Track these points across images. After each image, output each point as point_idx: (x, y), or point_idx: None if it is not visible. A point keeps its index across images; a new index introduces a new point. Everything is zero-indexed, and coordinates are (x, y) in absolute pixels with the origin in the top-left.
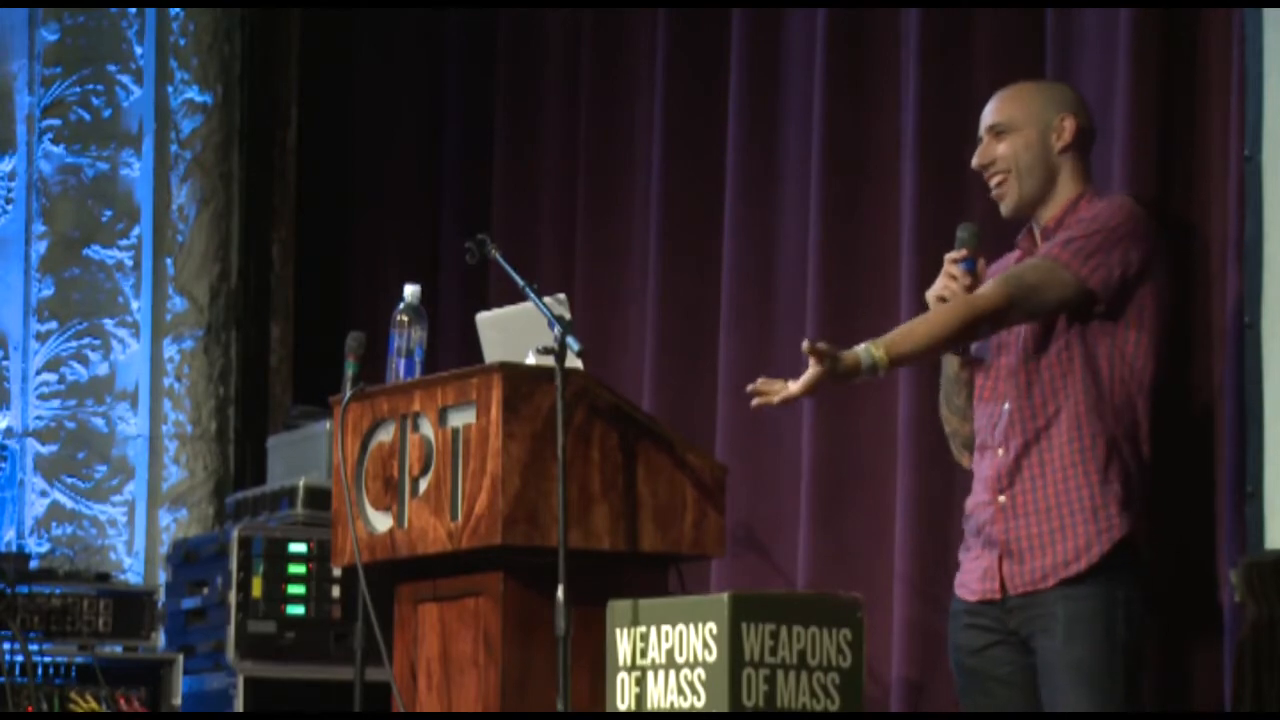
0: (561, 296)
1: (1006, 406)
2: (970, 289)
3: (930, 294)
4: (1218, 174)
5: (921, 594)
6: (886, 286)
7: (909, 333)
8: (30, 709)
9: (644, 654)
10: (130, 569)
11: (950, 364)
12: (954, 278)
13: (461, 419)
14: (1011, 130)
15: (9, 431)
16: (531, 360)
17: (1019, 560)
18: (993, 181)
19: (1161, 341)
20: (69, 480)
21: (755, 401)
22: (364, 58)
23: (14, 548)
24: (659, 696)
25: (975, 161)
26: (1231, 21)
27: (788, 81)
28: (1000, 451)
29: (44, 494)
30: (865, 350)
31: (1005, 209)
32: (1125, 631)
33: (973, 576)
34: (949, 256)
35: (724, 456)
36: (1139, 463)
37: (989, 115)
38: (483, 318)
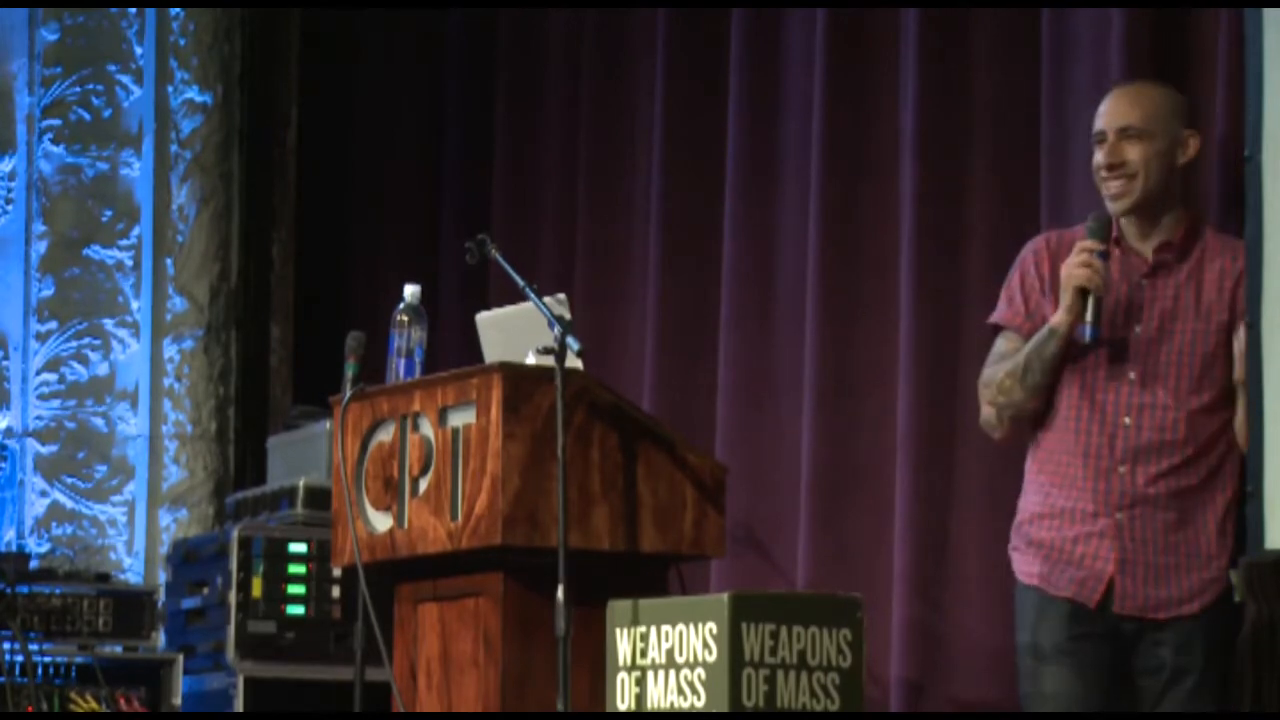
0: (561, 296)
1: (1128, 421)
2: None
3: (1073, 282)
4: (1215, 173)
5: (921, 594)
6: (886, 286)
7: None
8: (30, 709)
9: (644, 654)
10: (130, 569)
11: (1052, 343)
12: (1096, 270)
13: (461, 419)
14: (1145, 136)
15: (9, 431)
16: (531, 360)
17: (1133, 583)
18: (1116, 183)
19: None
20: (69, 480)
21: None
22: (364, 58)
23: (14, 548)
24: (659, 696)
25: (1104, 160)
26: (1220, 21)
27: (787, 82)
28: (1124, 469)
29: (44, 494)
30: None
31: (1120, 208)
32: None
33: (1065, 576)
34: (1086, 245)
35: (724, 456)
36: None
37: (1119, 116)
38: (483, 318)
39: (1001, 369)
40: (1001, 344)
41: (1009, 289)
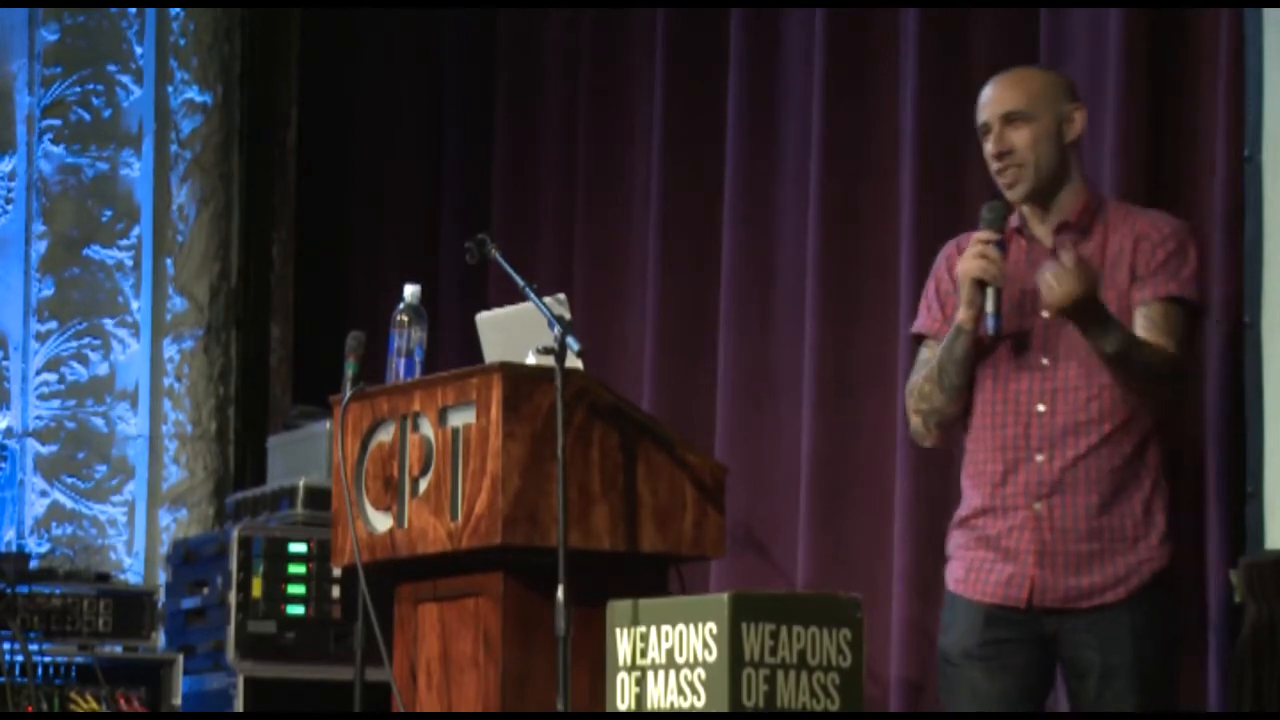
0: (561, 296)
1: (1042, 408)
2: (1002, 270)
3: (969, 274)
4: (1213, 173)
5: (921, 593)
6: (886, 285)
7: (1138, 343)
8: (30, 709)
9: (644, 654)
10: (130, 569)
11: (960, 342)
12: (990, 260)
13: (461, 419)
14: (1028, 119)
15: (9, 431)
16: (531, 360)
17: (1053, 574)
18: (1008, 172)
19: None
20: (69, 480)
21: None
22: (364, 58)
23: (14, 548)
24: (659, 696)
25: (992, 149)
26: (1220, 21)
27: (787, 82)
28: (1040, 457)
29: (44, 494)
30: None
31: (1015, 196)
32: (1175, 650)
33: (990, 579)
34: (981, 237)
35: (723, 456)
36: (1175, 487)
37: (1000, 102)
38: (483, 318)
39: (920, 375)
40: (924, 353)
41: (926, 297)
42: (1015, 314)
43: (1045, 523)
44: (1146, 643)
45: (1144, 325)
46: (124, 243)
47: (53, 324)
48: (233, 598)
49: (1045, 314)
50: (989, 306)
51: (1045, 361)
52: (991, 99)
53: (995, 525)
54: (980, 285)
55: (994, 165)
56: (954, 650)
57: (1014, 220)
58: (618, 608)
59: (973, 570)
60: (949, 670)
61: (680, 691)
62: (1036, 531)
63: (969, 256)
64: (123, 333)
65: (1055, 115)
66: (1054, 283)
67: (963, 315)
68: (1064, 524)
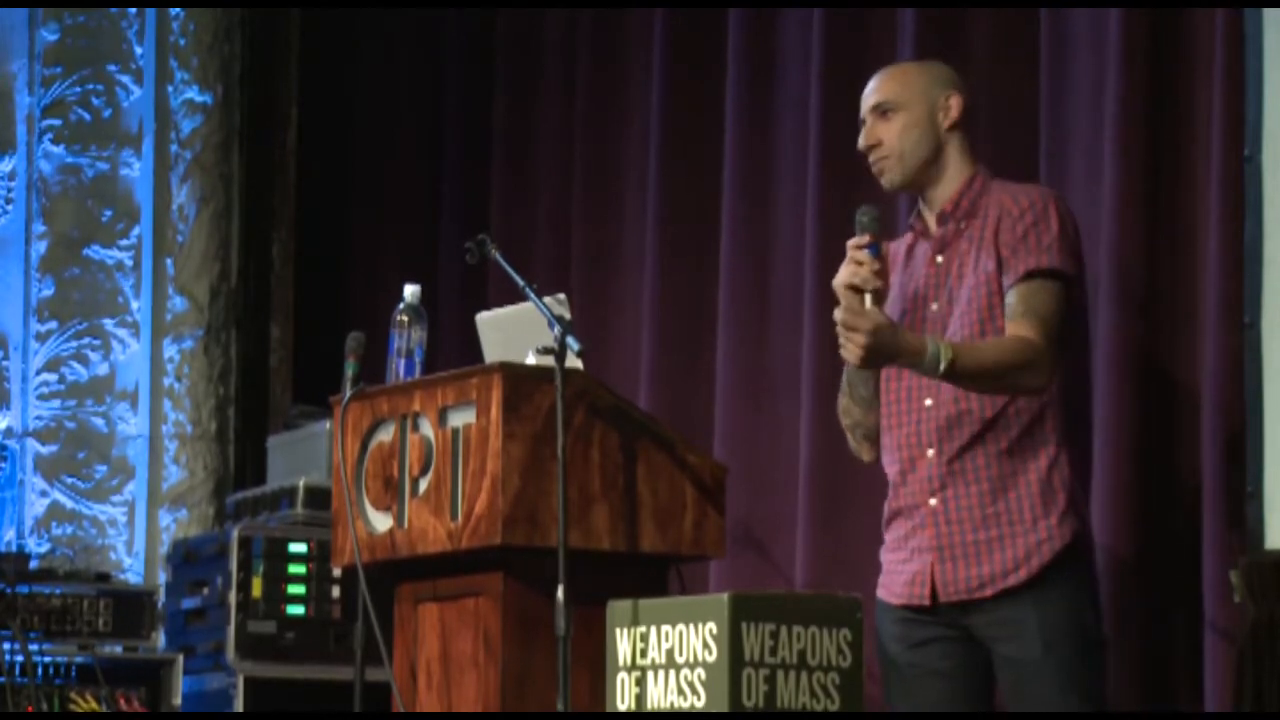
0: (561, 296)
1: (929, 402)
2: (879, 274)
3: (837, 282)
4: (1213, 173)
5: None
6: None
7: (975, 349)
8: (30, 709)
9: (644, 654)
10: (130, 569)
11: None
12: (861, 263)
13: (461, 419)
14: (897, 109)
15: (9, 431)
16: (531, 360)
17: (953, 567)
18: (878, 164)
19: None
20: (69, 480)
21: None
22: (364, 58)
23: (14, 548)
24: (659, 696)
25: (861, 143)
26: (1220, 21)
27: (784, 82)
28: (931, 452)
29: (44, 494)
30: (933, 340)
31: (887, 184)
32: (1095, 632)
33: (898, 580)
34: (853, 242)
35: (722, 456)
36: (1082, 464)
37: (872, 95)
38: (483, 318)
39: (841, 391)
40: (846, 370)
41: None
42: (909, 309)
43: (940, 517)
44: (1056, 624)
45: (1007, 313)
46: (124, 243)
47: (53, 324)
48: (233, 598)
49: (934, 305)
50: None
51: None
52: (865, 94)
53: (902, 526)
54: (856, 291)
55: (869, 159)
56: (882, 661)
57: (913, 218)
58: (618, 608)
59: (886, 574)
60: (885, 685)
61: (680, 691)
62: (934, 527)
63: (843, 265)
64: (123, 333)
65: (927, 102)
66: (843, 343)
67: None
68: (959, 515)
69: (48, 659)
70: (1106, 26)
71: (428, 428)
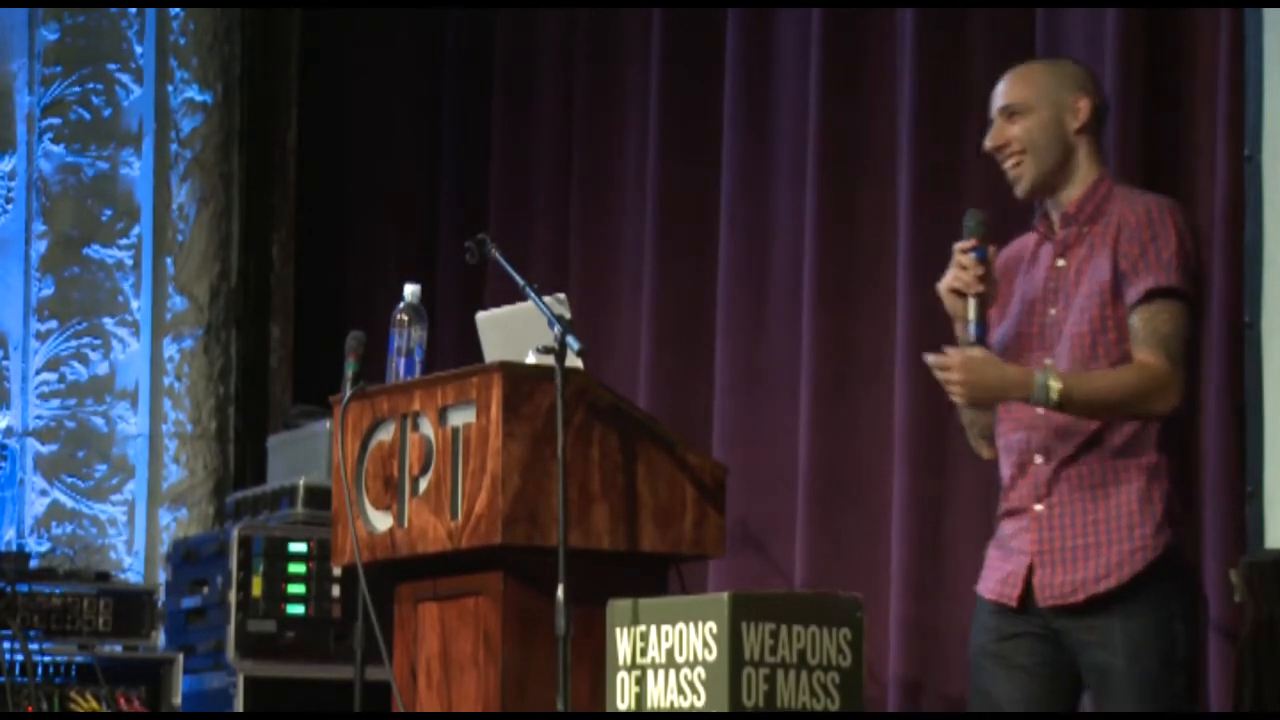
0: (561, 296)
1: (1041, 410)
2: (982, 279)
3: (941, 286)
4: (1213, 173)
5: (918, 592)
6: (882, 283)
7: (1089, 380)
8: (30, 709)
9: (644, 653)
10: (130, 568)
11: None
12: (965, 268)
13: (461, 418)
14: (1026, 111)
15: (9, 431)
16: (531, 360)
17: (1050, 572)
18: (1008, 164)
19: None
20: (69, 479)
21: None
22: (364, 58)
23: (14, 547)
24: (659, 696)
25: (989, 143)
26: (1219, 21)
27: (782, 81)
28: (1040, 459)
29: (44, 493)
30: (1041, 371)
31: (1020, 190)
32: (1184, 648)
33: (993, 577)
34: (958, 246)
35: (720, 456)
36: (1182, 476)
37: (1001, 96)
38: (483, 317)
39: None
40: None
41: None
42: (1028, 313)
43: (1044, 522)
44: (1142, 634)
45: (1131, 336)
46: (124, 242)
47: (53, 323)
48: (233, 597)
49: (1052, 311)
50: (970, 314)
51: (1048, 362)
52: (995, 94)
53: (1009, 526)
54: (960, 295)
55: (998, 159)
56: (973, 650)
57: (1036, 218)
58: (618, 607)
59: (986, 569)
60: (972, 672)
61: (680, 691)
62: (1036, 531)
63: (949, 269)
64: (123, 332)
65: (1054, 105)
66: (950, 390)
67: (958, 329)
68: (1060, 521)
69: (48, 658)
70: (1104, 26)
71: (428, 427)
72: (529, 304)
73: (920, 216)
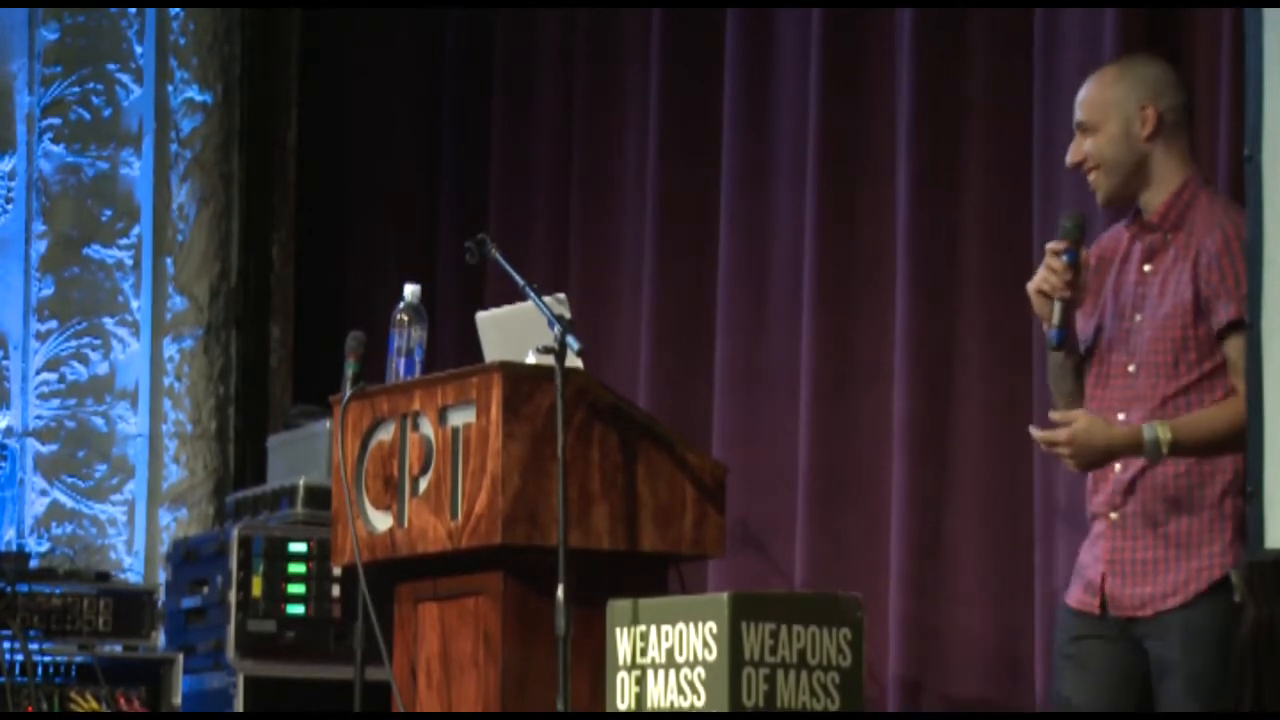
0: (561, 296)
1: (1121, 417)
2: (1071, 284)
3: (1031, 287)
4: (1213, 174)
5: (918, 592)
6: (882, 284)
7: (1196, 422)
8: (30, 709)
9: (644, 653)
10: (130, 568)
11: (1050, 355)
12: (1055, 271)
13: (461, 418)
14: (1095, 127)
15: (9, 431)
16: (531, 360)
17: (1121, 583)
18: (1089, 176)
19: None
20: (69, 479)
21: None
22: (364, 58)
23: (14, 547)
24: (659, 696)
25: (1068, 160)
26: (1219, 21)
27: (782, 81)
28: (1118, 467)
29: (44, 493)
30: (1149, 426)
31: (1100, 201)
32: (1238, 646)
33: (1078, 584)
34: (1050, 246)
35: (720, 455)
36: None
37: (1076, 109)
38: (483, 317)
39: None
40: (1048, 365)
41: None
42: (1115, 318)
43: (1118, 532)
44: (1199, 649)
45: (1229, 368)
46: (124, 242)
47: (53, 323)
48: (233, 597)
49: (1138, 317)
50: (1055, 318)
51: (1131, 369)
52: (1075, 105)
53: (1094, 529)
54: (1046, 296)
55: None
56: (1056, 645)
57: (1127, 220)
58: (618, 607)
59: (1075, 572)
60: (1055, 666)
61: (680, 691)
62: (1111, 540)
63: (1039, 269)
64: (123, 332)
65: (1121, 118)
66: (1063, 460)
67: (1046, 327)
68: (1133, 533)
69: (48, 658)
70: (1102, 26)
71: (428, 427)
72: (529, 304)
73: (920, 216)
